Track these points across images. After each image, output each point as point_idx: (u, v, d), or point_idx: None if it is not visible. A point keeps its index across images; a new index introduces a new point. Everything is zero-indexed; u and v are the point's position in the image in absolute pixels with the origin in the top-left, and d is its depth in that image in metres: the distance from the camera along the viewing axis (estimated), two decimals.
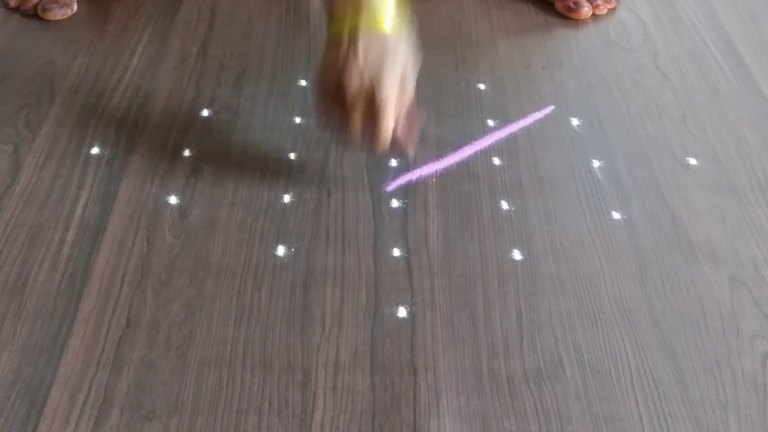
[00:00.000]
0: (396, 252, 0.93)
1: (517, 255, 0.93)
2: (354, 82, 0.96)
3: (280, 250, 0.92)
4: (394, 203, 0.99)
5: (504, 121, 1.12)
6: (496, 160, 1.05)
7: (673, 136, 1.11)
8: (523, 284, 0.90)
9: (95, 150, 1.04)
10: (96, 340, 0.82)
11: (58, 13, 1.27)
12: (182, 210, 0.96)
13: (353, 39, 0.97)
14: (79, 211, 0.95)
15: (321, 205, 0.98)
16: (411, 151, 1.01)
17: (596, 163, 1.06)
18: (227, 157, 1.03)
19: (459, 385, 0.80)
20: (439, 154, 1.05)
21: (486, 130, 1.10)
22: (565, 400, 0.79)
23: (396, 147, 0.98)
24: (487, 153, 1.06)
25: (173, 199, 0.97)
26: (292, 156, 1.04)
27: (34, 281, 0.87)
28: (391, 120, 0.97)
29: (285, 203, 0.98)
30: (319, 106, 1.01)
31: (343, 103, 0.97)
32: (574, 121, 1.12)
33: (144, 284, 0.88)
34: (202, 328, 0.84)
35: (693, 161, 1.07)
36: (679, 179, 1.04)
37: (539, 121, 1.12)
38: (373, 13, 0.98)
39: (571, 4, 1.33)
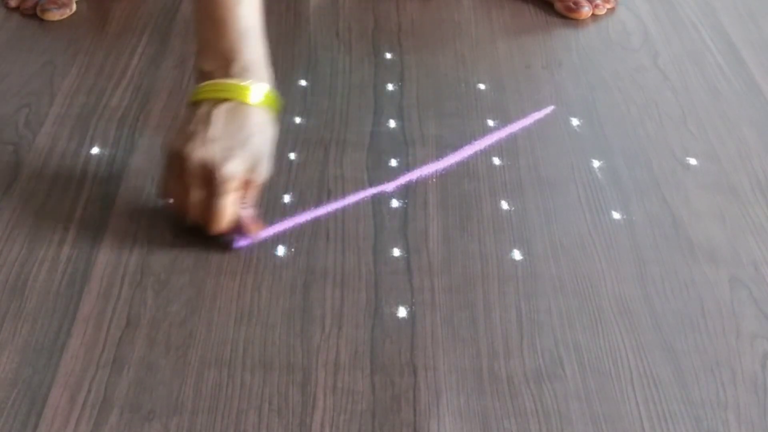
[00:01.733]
0: (396, 252, 0.93)
1: (517, 255, 0.93)
2: (196, 152, 0.87)
3: (280, 250, 0.92)
4: (394, 203, 0.99)
5: (504, 121, 1.12)
6: (496, 160, 1.05)
7: (673, 136, 1.11)
8: (523, 284, 0.90)
9: (95, 150, 1.04)
10: (96, 340, 0.82)
11: (56, 14, 1.27)
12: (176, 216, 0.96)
13: (210, 104, 0.90)
14: (79, 211, 0.95)
15: (321, 205, 0.98)
16: (256, 233, 0.92)
17: (596, 163, 1.06)
18: None
19: (459, 385, 0.80)
20: (439, 154, 1.05)
21: (486, 130, 1.10)
22: (565, 400, 0.79)
23: (237, 229, 0.90)
24: (487, 153, 1.06)
25: (173, 199, 0.97)
26: (292, 156, 1.04)
27: (34, 281, 0.87)
28: (227, 200, 0.88)
29: (285, 203, 0.98)
30: (163, 181, 0.92)
31: (184, 175, 0.88)
32: (574, 121, 1.12)
33: (144, 284, 0.88)
34: (202, 328, 0.84)
35: (693, 161, 1.07)
36: (679, 179, 1.04)
37: (539, 121, 1.12)
38: (241, 81, 0.91)
39: (571, 4, 1.33)
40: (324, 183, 1.01)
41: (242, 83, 0.91)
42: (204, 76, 0.93)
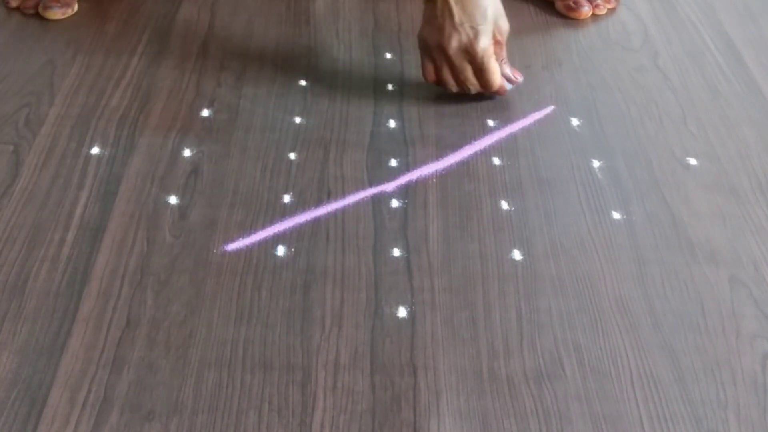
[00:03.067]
0: (396, 252, 0.93)
1: (517, 255, 0.93)
2: (453, 40, 1.06)
3: (280, 250, 0.92)
4: (394, 203, 0.99)
5: (504, 121, 1.12)
6: (496, 160, 1.05)
7: (673, 136, 1.11)
8: (523, 284, 0.90)
9: (95, 150, 1.04)
10: (96, 340, 0.82)
11: (58, 12, 1.27)
12: (182, 210, 0.96)
13: None
14: (79, 211, 0.95)
15: (321, 205, 0.98)
16: (520, 79, 1.14)
17: (596, 163, 1.06)
18: (227, 157, 1.03)
19: (459, 385, 0.80)
20: (439, 154, 1.05)
21: (486, 130, 1.10)
22: (565, 400, 0.79)
23: (504, 82, 1.11)
24: (487, 153, 1.06)
25: (173, 199, 0.97)
26: (292, 156, 1.04)
27: (34, 281, 0.87)
28: (494, 64, 1.09)
29: (285, 203, 0.98)
30: (425, 68, 1.11)
31: (448, 61, 1.08)
32: (574, 121, 1.12)
33: (144, 284, 0.88)
34: (202, 328, 0.84)
35: (693, 161, 1.07)
36: (679, 179, 1.04)
37: (539, 121, 1.12)
38: None
39: (571, 3, 1.33)
40: (324, 183, 1.01)
41: None
42: None
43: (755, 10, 1.38)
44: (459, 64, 1.09)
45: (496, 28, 1.09)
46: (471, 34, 1.07)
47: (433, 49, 1.09)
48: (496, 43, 1.10)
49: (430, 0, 1.08)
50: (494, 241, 0.94)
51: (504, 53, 1.12)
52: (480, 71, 1.09)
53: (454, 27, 1.07)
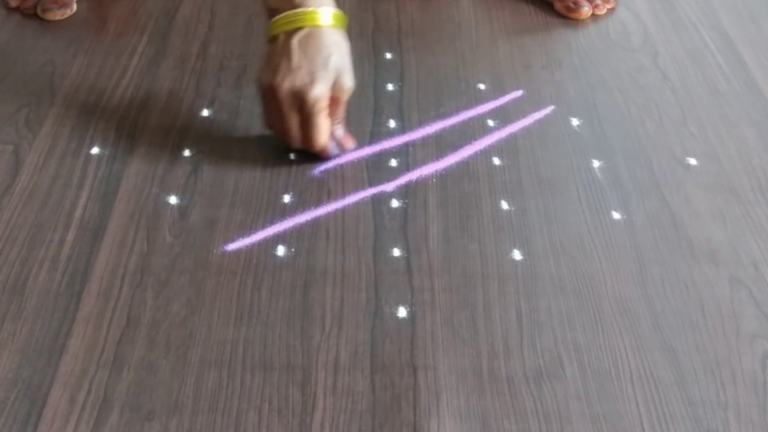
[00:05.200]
0: (396, 252, 0.93)
1: (517, 255, 0.93)
2: (286, 82, 0.96)
3: (280, 250, 0.92)
4: (394, 203, 0.99)
5: (504, 121, 1.12)
6: (496, 160, 1.05)
7: (673, 136, 1.11)
8: (523, 284, 0.90)
9: (95, 150, 1.04)
10: (96, 340, 0.82)
11: (57, 13, 1.27)
12: (182, 210, 0.96)
13: (287, 35, 0.97)
14: (79, 211, 0.95)
15: (321, 205, 0.98)
16: (351, 146, 1.03)
17: (596, 163, 1.06)
18: (227, 157, 1.03)
19: (459, 385, 0.80)
20: (439, 154, 1.05)
21: (486, 130, 1.10)
22: (565, 400, 0.79)
23: (333, 146, 1.01)
24: (487, 153, 1.06)
25: (173, 199, 0.97)
26: (292, 156, 1.04)
27: (34, 281, 0.87)
28: (323, 119, 0.98)
29: (285, 203, 0.98)
30: (263, 112, 1.02)
31: (277, 105, 0.98)
32: (574, 121, 1.12)
33: (144, 284, 0.88)
34: (202, 328, 0.84)
35: (693, 161, 1.07)
36: (679, 179, 1.04)
37: (539, 121, 1.12)
38: (308, 7, 0.98)
39: (571, 4, 1.33)
40: (324, 183, 1.01)
41: (309, 9, 0.98)
42: (273, 12, 1.00)
43: (755, 10, 1.38)
44: (286, 111, 0.98)
45: (338, 83, 0.98)
46: (306, 80, 0.96)
47: (266, 91, 0.98)
48: (335, 99, 0.99)
49: (272, 40, 0.99)
50: (494, 241, 0.94)
51: (341, 113, 1.01)
52: (306, 124, 0.98)
53: (289, 69, 0.96)
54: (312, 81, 0.96)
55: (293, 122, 0.98)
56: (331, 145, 1.02)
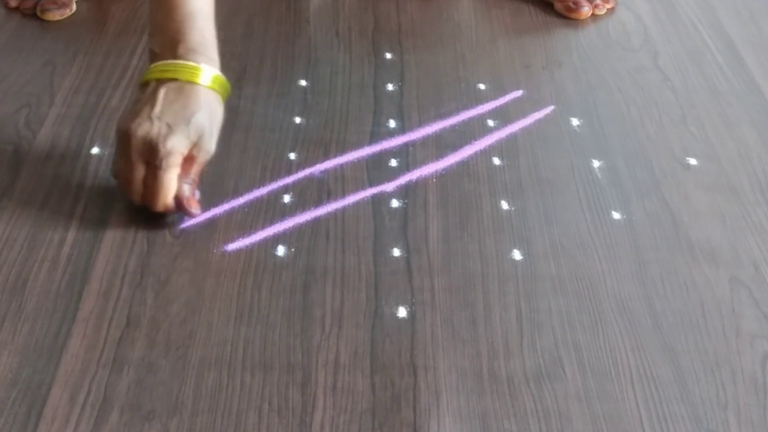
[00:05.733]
0: (396, 252, 0.93)
1: (517, 255, 0.93)
2: (141, 129, 0.90)
3: (280, 250, 0.92)
4: (394, 203, 0.99)
5: (504, 121, 1.12)
6: (496, 160, 1.05)
7: (673, 136, 1.11)
8: (523, 284, 0.90)
9: (95, 150, 1.04)
10: (96, 340, 0.82)
11: (56, 14, 1.27)
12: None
13: (158, 83, 0.92)
14: (79, 211, 0.95)
15: (321, 205, 0.98)
16: (195, 212, 0.93)
17: (596, 163, 1.06)
18: (227, 157, 1.03)
19: (459, 385, 0.80)
20: (439, 154, 1.05)
21: (486, 130, 1.10)
22: (565, 400, 0.79)
23: (178, 207, 0.92)
24: (487, 153, 1.06)
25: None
26: (292, 156, 1.04)
27: (34, 281, 0.87)
28: (171, 177, 0.90)
29: (285, 203, 0.98)
30: (114, 161, 0.94)
31: (126, 153, 0.91)
32: (574, 121, 1.12)
33: (144, 284, 0.88)
34: (202, 328, 0.84)
35: (693, 161, 1.07)
36: (679, 179, 1.04)
37: (539, 121, 1.12)
38: (190, 61, 0.93)
39: (571, 4, 1.33)
40: (324, 183, 1.01)
41: (190, 63, 0.93)
42: (154, 57, 0.95)
43: (755, 10, 1.38)
44: (135, 160, 0.90)
45: (198, 143, 0.91)
46: (164, 131, 0.89)
47: (120, 135, 0.92)
48: (189, 158, 0.92)
49: (143, 85, 0.94)
50: (494, 241, 0.94)
51: (194, 175, 0.93)
52: (152, 178, 0.90)
53: (149, 117, 0.90)
54: (169, 133, 0.89)
55: (138, 175, 0.91)
56: (171, 204, 0.92)
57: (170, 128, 0.90)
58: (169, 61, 0.93)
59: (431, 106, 1.13)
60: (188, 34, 0.94)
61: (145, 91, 0.93)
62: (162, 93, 0.92)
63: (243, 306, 0.86)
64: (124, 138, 0.91)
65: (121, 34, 1.25)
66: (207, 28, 0.96)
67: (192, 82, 0.92)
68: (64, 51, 1.21)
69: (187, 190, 0.92)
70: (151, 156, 0.90)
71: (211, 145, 0.93)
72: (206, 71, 0.93)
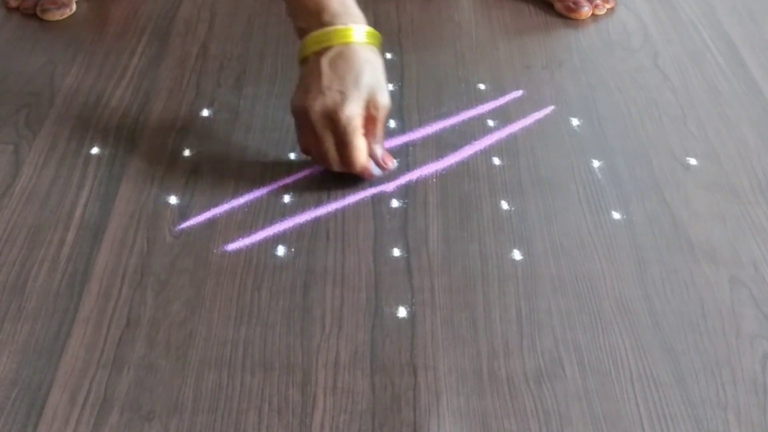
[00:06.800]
0: (396, 252, 0.93)
1: (517, 255, 0.93)
2: (317, 103, 0.93)
3: (280, 250, 0.92)
4: (394, 203, 0.99)
5: (504, 121, 1.12)
6: (496, 160, 1.05)
7: (673, 136, 1.11)
8: (523, 284, 0.90)
9: (95, 150, 1.04)
10: (96, 340, 0.82)
11: (56, 14, 1.27)
12: (182, 210, 0.96)
13: (317, 55, 0.95)
14: (79, 211, 0.95)
15: (321, 205, 0.98)
16: (392, 166, 0.99)
17: (596, 163, 1.06)
18: (227, 157, 1.03)
19: (459, 385, 0.80)
20: (439, 154, 1.05)
21: (486, 130, 1.10)
22: (565, 400, 0.79)
23: (372, 166, 0.97)
24: (487, 153, 1.06)
25: (173, 199, 0.97)
26: (292, 156, 1.04)
27: (34, 281, 0.87)
28: (359, 139, 0.94)
29: (285, 203, 0.98)
30: (298, 136, 0.99)
31: (311, 128, 0.95)
32: (574, 121, 1.12)
33: (144, 284, 0.88)
34: (202, 328, 0.84)
35: (693, 161, 1.07)
36: (679, 179, 1.04)
37: (539, 121, 1.12)
38: (338, 25, 0.95)
39: (571, 4, 1.33)
40: (324, 183, 1.01)
41: (339, 28, 0.95)
42: (302, 32, 0.98)
43: (755, 10, 1.38)
44: (321, 133, 0.95)
45: (372, 101, 0.95)
46: (338, 99, 0.93)
47: (298, 113, 0.96)
48: (370, 117, 0.96)
49: (303, 61, 0.97)
50: (494, 241, 0.94)
51: (379, 132, 0.97)
52: (342, 144, 0.95)
53: (320, 89, 0.93)
54: (343, 100, 0.93)
55: (329, 144, 0.95)
56: (372, 165, 0.98)
57: (343, 95, 0.93)
58: (319, 31, 0.96)
59: (431, 106, 1.13)
60: (329, 2, 0.96)
61: (307, 66, 0.96)
62: (325, 63, 0.94)
63: (243, 306, 0.86)
64: (303, 115, 0.95)
65: (121, 34, 1.25)
66: None
67: (347, 44, 0.95)
68: (64, 51, 1.21)
69: (378, 150, 0.97)
70: (334, 125, 0.94)
71: (385, 99, 0.96)
72: (356, 30, 0.96)
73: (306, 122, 0.95)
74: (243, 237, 0.93)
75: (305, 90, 0.95)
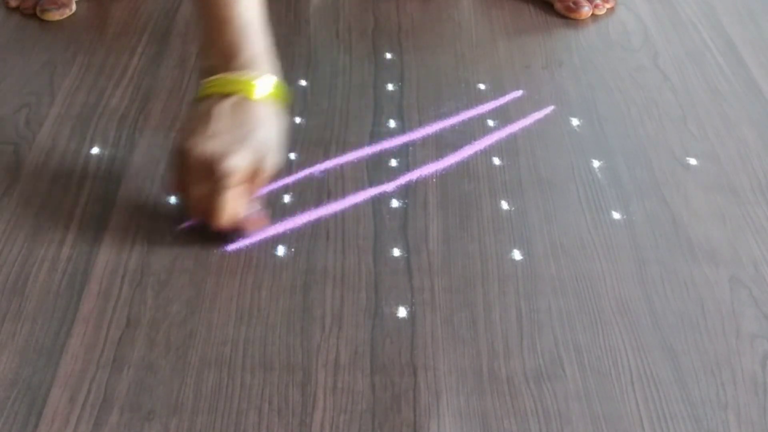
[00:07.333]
0: (396, 252, 0.93)
1: (517, 255, 0.93)
2: (198, 148, 0.86)
3: (280, 250, 0.92)
4: (394, 203, 0.99)
5: (504, 121, 1.12)
6: (496, 160, 1.05)
7: (673, 136, 1.11)
8: (523, 284, 0.90)
9: (95, 150, 1.04)
10: (96, 340, 0.82)
11: (56, 14, 1.27)
12: (182, 210, 0.96)
13: (214, 99, 0.89)
14: (79, 211, 0.95)
15: (321, 205, 0.98)
16: (258, 230, 0.92)
17: (596, 163, 1.06)
18: None
19: (459, 385, 0.80)
20: (439, 154, 1.05)
21: (486, 130, 1.10)
22: (565, 400, 0.79)
23: (239, 227, 0.91)
24: (487, 153, 1.06)
25: (173, 199, 0.97)
26: (292, 156, 1.04)
27: (34, 281, 0.87)
28: (228, 195, 0.87)
29: (285, 203, 0.98)
30: (170, 175, 0.92)
31: (185, 171, 0.88)
32: (574, 121, 1.12)
33: (144, 284, 0.88)
34: (202, 328, 0.84)
35: (693, 161, 1.07)
36: (679, 179, 1.04)
37: (539, 121, 1.12)
38: (244, 75, 0.90)
39: (571, 4, 1.33)
40: (324, 183, 1.01)
41: (245, 77, 0.90)
42: (208, 71, 0.92)
43: (755, 10, 1.38)
44: (194, 178, 0.87)
45: (260, 160, 0.88)
46: (223, 149, 0.86)
47: (178, 152, 0.89)
48: (254, 178, 0.89)
49: (198, 100, 0.91)
50: (494, 241, 0.94)
51: (257, 193, 0.91)
52: (212, 196, 0.87)
53: (206, 135, 0.86)
54: (227, 153, 0.86)
55: (199, 193, 0.88)
56: (230, 223, 0.90)
57: (228, 147, 0.86)
58: (224, 75, 0.90)
59: (431, 106, 1.13)
60: (243, 47, 0.91)
61: (200, 107, 0.90)
62: (218, 110, 0.88)
63: (243, 306, 0.86)
64: (179, 156, 0.89)
65: (121, 34, 1.25)
66: (260, 38, 0.93)
67: (248, 97, 0.89)
68: (64, 51, 1.21)
69: (250, 211, 0.90)
70: (209, 175, 0.87)
71: (274, 162, 0.90)
72: (263, 83, 0.90)
73: (182, 163, 0.88)
74: (243, 237, 0.93)
75: (192, 131, 0.88)
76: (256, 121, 0.89)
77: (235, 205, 0.88)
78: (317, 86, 1.16)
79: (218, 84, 0.90)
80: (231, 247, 0.92)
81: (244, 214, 0.90)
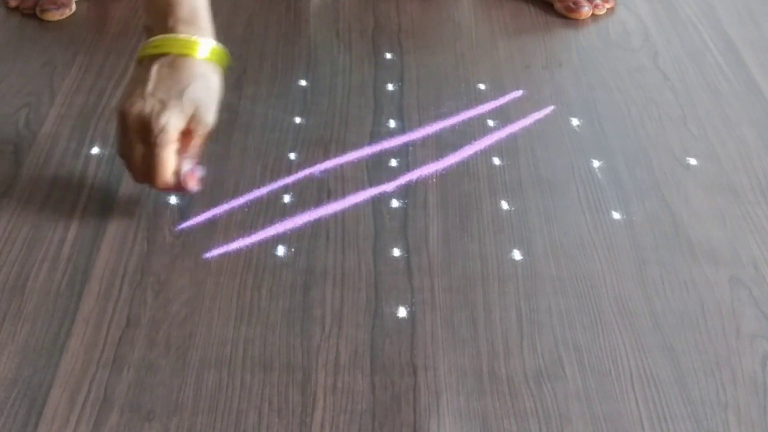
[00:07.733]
0: (396, 252, 0.93)
1: (517, 255, 0.93)
2: (134, 108, 0.88)
3: (280, 250, 0.92)
4: (394, 203, 0.99)
5: (504, 121, 1.12)
6: (496, 160, 1.05)
7: (673, 136, 1.11)
8: (523, 284, 0.90)
9: (95, 150, 1.04)
10: (96, 340, 0.82)
11: (56, 14, 1.27)
12: (182, 210, 0.96)
13: (150, 60, 0.91)
14: (79, 211, 0.95)
15: (321, 205, 0.98)
16: (193, 189, 0.93)
17: (596, 163, 1.06)
18: (227, 157, 1.03)
19: (459, 385, 0.80)
20: (439, 154, 1.05)
21: (486, 130, 1.10)
22: (565, 400, 0.79)
23: (177, 184, 0.91)
24: (487, 153, 1.06)
25: (173, 199, 0.97)
26: (292, 156, 1.04)
27: (34, 281, 0.87)
28: (167, 152, 0.89)
29: (285, 203, 0.98)
30: (116, 138, 0.93)
31: (123, 132, 0.90)
32: (574, 121, 1.12)
33: (144, 284, 0.88)
34: (202, 328, 0.84)
35: (693, 161, 1.07)
36: (679, 179, 1.04)
37: (539, 121, 1.12)
38: (182, 33, 0.91)
39: (571, 4, 1.33)
40: (324, 183, 1.01)
41: (181, 36, 0.91)
42: (147, 32, 0.93)
43: (755, 10, 1.38)
44: (132, 139, 0.89)
45: (195, 117, 0.90)
46: (156, 108, 0.88)
47: (118, 116, 0.90)
48: (188, 133, 0.90)
49: (137, 62, 0.93)
50: (494, 241, 0.94)
51: (193, 149, 0.92)
52: (148, 156, 0.89)
53: (142, 95, 0.88)
54: (162, 110, 0.88)
55: (138, 152, 0.90)
56: (171, 180, 0.91)
57: (162, 104, 0.88)
58: (161, 36, 0.91)
59: (431, 106, 1.13)
60: (178, 5, 0.92)
61: (138, 69, 0.92)
62: (154, 69, 0.90)
63: (243, 306, 0.86)
64: (120, 118, 0.90)
65: (121, 34, 1.25)
66: None
67: (184, 55, 0.90)
68: (64, 51, 1.21)
69: (185, 164, 0.91)
70: (147, 134, 0.88)
71: (208, 118, 0.91)
72: (202, 44, 0.91)
73: (122, 126, 0.90)
74: (243, 237, 0.93)
75: (129, 93, 0.90)
76: (189, 80, 0.90)
77: (171, 162, 0.90)
78: (317, 86, 1.16)
79: (156, 44, 0.92)
80: (231, 247, 0.92)
81: (183, 171, 0.91)
